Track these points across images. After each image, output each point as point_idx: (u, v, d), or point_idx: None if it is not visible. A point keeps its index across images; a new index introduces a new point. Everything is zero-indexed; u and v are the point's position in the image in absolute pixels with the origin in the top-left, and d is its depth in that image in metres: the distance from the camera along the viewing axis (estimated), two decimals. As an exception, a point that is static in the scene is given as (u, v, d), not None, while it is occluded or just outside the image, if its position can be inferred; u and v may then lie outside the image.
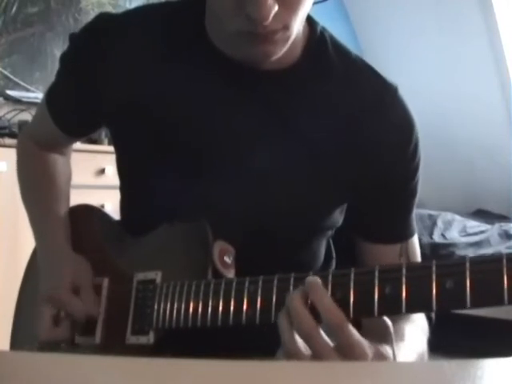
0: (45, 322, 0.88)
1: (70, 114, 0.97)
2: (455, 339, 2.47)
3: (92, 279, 0.90)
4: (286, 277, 0.68)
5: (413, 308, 0.60)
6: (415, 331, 0.78)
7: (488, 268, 0.55)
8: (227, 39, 0.78)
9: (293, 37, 0.75)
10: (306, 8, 0.73)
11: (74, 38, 0.93)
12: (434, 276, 0.58)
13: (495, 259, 0.55)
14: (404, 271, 0.60)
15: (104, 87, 0.88)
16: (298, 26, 0.74)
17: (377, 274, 0.61)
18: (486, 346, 2.06)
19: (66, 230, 0.97)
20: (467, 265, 0.56)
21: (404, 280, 0.59)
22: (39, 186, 1.02)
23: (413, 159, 0.85)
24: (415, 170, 0.86)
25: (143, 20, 0.90)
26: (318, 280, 0.62)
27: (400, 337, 0.73)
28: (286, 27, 0.72)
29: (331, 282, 0.64)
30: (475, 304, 0.55)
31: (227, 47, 0.81)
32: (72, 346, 0.88)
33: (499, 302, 0.54)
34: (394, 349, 0.66)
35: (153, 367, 0.44)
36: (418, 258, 0.89)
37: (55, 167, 1.04)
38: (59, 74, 0.97)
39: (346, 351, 0.60)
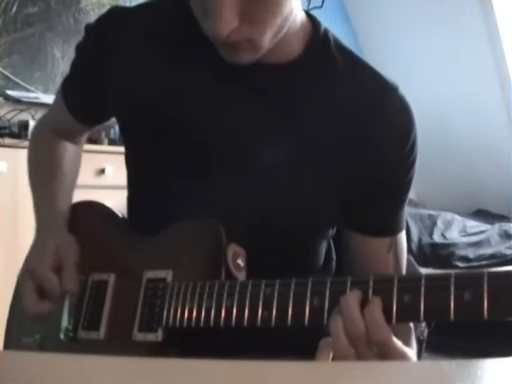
0: (29, 295, 0.87)
1: (84, 101, 0.99)
2: (455, 339, 2.47)
3: (77, 260, 0.89)
4: (303, 281, 0.69)
5: (430, 318, 0.62)
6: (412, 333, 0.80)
7: (506, 282, 0.57)
8: None
9: (266, 47, 0.76)
10: (275, 22, 0.73)
11: (89, 29, 0.96)
12: (452, 288, 0.59)
13: None
14: (423, 281, 0.62)
15: (115, 81, 0.91)
16: (269, 38, 0.75)
17: (396, 282, 0.63)
18: (486, 346, 2.06)
19: (67, 208, 0.98)
20: (485, 278, 0.58)
21: (423, 290, 0.61)
22: (45, 166, 1.04)
23: (410, 155, 0.86)
24: (411, 165, 0.87)
25: (155, 14, 0.91)
26: (377, 299, 0.65)
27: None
28: (250, 41, 0.73)
29: (349, 287, 0.66)
30: (492, 317, 0.57)
31: None
32: (75, 341, 0.87)
33: None
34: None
35: (155, 367, 0.44)
36: (404, 253, 0.91)
37: (64, 152, 1.06)
38: (74, 63, 1.00)
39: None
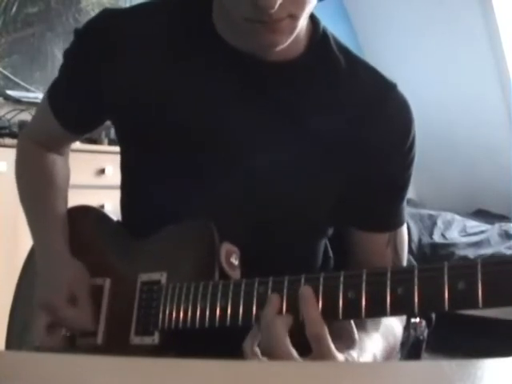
0: (39, 329, 0.87)
1: (73, 110, 0.96)
2: (455, 339, 2.47)
3: (89, 287, 0.89)
4: (296, 278, 0.69)
5: (425, 309, 0.62)
6: (377, 337, 0.79)
7: (499, 269, 0.57)
8: (234, 29, 0.78)
9: (299, 28, 0.76)
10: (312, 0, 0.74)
11: (77, 34, 0.92)
12: (446, 277, 0.59)
13: (506, 261, 0.57)
14: (416, 272, 0.62)
15: (108, 85, 0.88)
16: (304, 16, 0.75)
17: (389, 275, 0.63)
18: (486, 345, 2.06)
19: (65, 232, 0.96)
20: (479, 266, 0.58)
21: (416, 281, 0.61)
22: (37, 186, 1.01)
23: (409, 153, 0.87)
24: (410, 162, 0.88)
25: (148, 16, 0.90)
26: (311, 292, 0.67)
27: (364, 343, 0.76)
28: (292, 16, 0.73)
29: (343, 282, 0.66)
30: (487, 305, 0.57)
31: (235, 37, 0.81)
32: (73, 347, 0.87)
33: (511, 302, 0.56)
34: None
35: (154, 367, 0.44)
36: (405, 247, 0.91)
37: (54, 167, 1.03)
38: (62, 69, 0.96)
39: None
